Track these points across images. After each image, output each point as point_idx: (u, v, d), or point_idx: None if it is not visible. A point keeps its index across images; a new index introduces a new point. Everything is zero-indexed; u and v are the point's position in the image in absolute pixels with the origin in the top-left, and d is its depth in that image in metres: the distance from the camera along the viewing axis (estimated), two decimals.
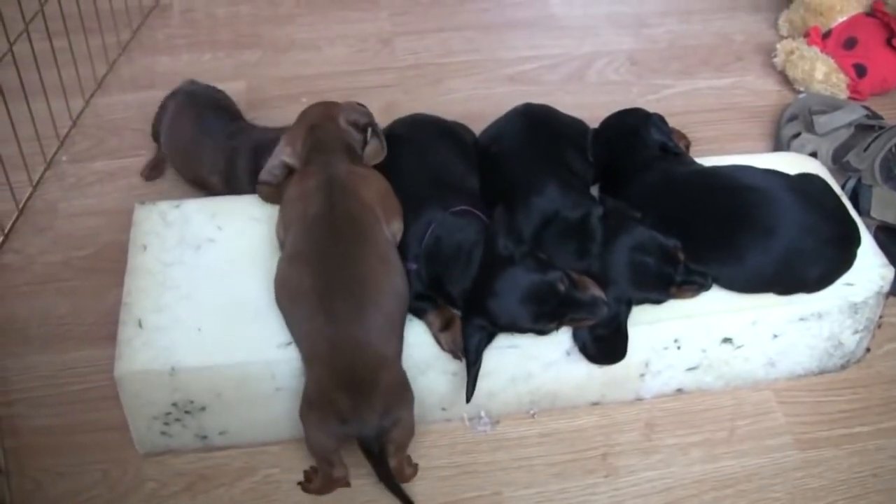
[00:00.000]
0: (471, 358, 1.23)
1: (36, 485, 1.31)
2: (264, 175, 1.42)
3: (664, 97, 1.97)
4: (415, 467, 1.31)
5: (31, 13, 1.74)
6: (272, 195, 1.43)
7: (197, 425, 1.31)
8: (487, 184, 1.45)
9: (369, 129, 1.41)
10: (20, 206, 1.70)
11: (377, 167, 1.39)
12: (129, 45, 2.10)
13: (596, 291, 1.23)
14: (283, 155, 1.40)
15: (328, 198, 1.29)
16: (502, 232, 1.23)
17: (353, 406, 1.17)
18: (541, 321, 1.22)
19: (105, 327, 1.45)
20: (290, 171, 1.40)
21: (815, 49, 1.94)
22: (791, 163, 1.54)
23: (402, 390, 1.22)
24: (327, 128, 1.40)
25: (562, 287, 1.21)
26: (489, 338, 1.24)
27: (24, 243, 1.65)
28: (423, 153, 1.44)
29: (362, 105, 1.48)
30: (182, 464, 1.33)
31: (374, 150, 1.41)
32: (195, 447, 1.33)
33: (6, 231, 1.66)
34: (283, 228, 1.34)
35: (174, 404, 1.28)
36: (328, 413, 1.18)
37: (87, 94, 1.94)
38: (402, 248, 1.31)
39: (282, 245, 1.34)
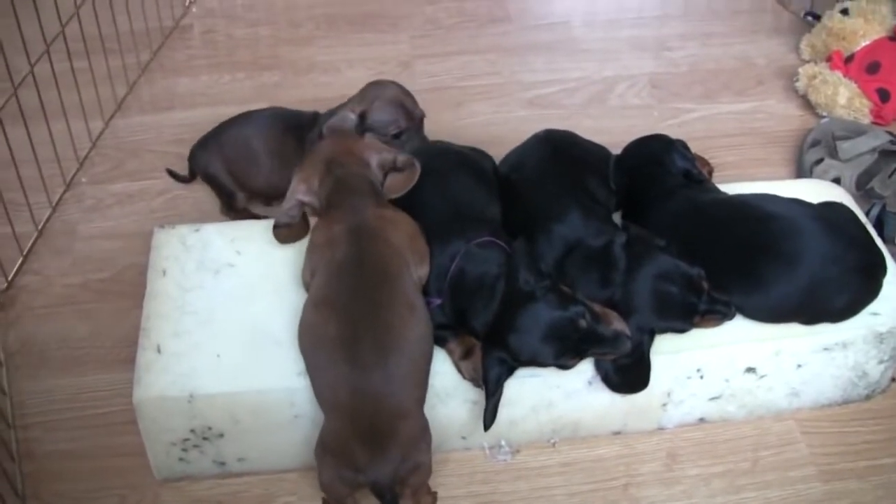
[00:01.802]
0: (490, 388, 1.22)
1: None
2: (281, 218, 1.36)
3: (685, 121, 1.96)
4: (434, 496, 1.29)
5: (52, 34, 1.74)
6: (290, 236, 1.38)
7: (215, 452, 1.30)
8: (509, 212, 1.43)
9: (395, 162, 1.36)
10: (39, 227, 1.70)
11: (397, 200, 1.35)
12: (149, 66, 2.10)
13: (619, 325, 1.22)
14: (299, 194, 1.35)
15: (356, 243, 1.26)
16: (523, 266, 1.22)
17: (369, 457, 1.16)
18: (563, 357, 1.21)
19: (124, 351, 1.45)
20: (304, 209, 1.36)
21: (838, 73, 1.93)
22: (814, 189, 1.52)
23: (421, 438, 1.20)
24: (348, 165, 1.35)
25: (583, 323, 1.20)
26: (510, 370, 1.23)
27: (43, 265, 1.65)
28: (443, 184, 1.41)
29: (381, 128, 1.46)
30: (200, 490, 1.32)
31: (400, 183, 1.36)
32: (213, 473, 1.33)
33: (25, 252, 1.65)
34: (310, 273, 1.31)
35: (192, 430, 1.27)
36: (343, 460, 1.17)
37: (107, 115, 1.94)
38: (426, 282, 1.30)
39: (307, 289, 1.30)
